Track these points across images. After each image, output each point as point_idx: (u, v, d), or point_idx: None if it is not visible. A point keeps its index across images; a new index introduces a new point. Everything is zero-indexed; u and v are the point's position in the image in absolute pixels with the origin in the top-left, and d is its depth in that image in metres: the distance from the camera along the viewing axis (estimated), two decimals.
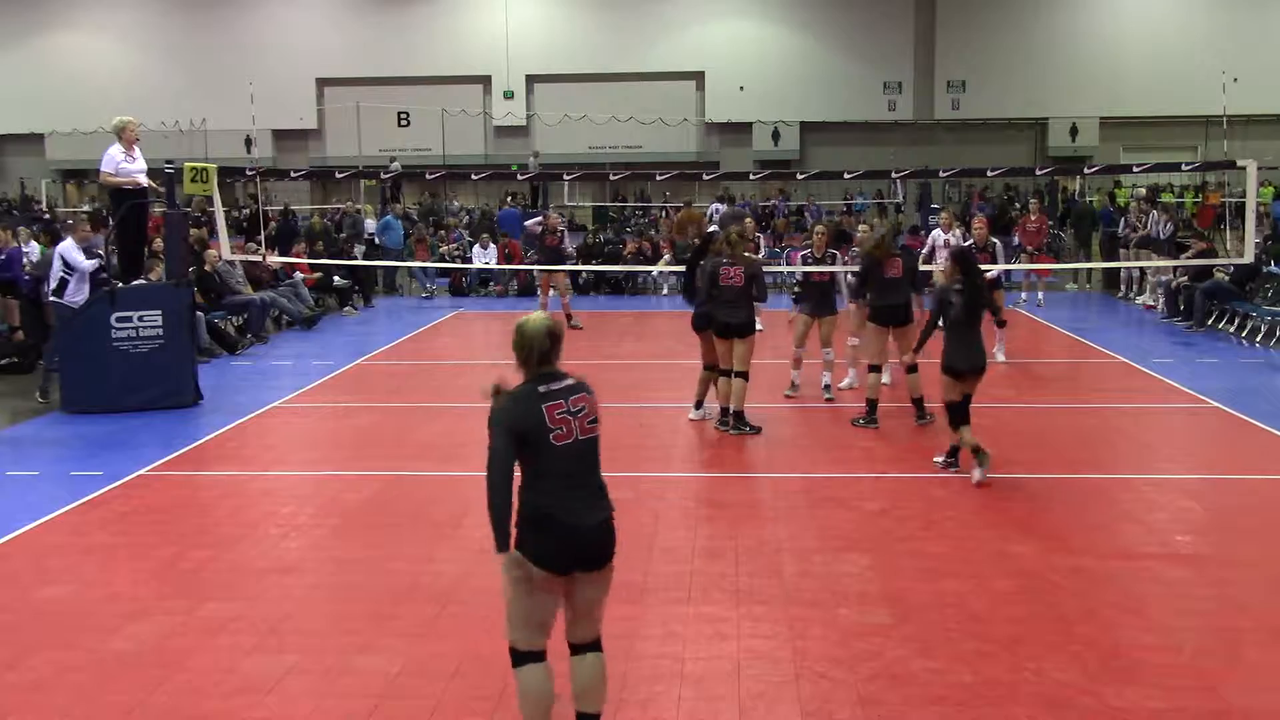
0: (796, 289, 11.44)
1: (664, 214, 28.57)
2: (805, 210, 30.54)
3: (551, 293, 16.40)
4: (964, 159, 28.65)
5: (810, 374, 11.50)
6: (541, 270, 16.81)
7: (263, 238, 18.27)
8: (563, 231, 17.51)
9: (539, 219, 17.46)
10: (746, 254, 10.25)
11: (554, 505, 4.32)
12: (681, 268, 10.89)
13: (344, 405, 11.60)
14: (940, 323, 8.59)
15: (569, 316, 15.85)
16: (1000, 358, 12.68)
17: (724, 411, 10.02)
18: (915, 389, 10.18)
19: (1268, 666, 5.35)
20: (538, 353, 4.37)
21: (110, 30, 38.25)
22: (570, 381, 4.43)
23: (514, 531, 4.30)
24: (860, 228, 12.79)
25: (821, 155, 35.99)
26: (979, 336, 8.43)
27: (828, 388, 11.31)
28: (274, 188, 32.91)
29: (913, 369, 10.14)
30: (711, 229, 11.49)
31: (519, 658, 4.40)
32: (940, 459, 8.70)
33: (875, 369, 10.22)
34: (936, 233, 15.08)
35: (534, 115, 37.70)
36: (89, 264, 11.44)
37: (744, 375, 9.83)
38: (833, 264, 11.29)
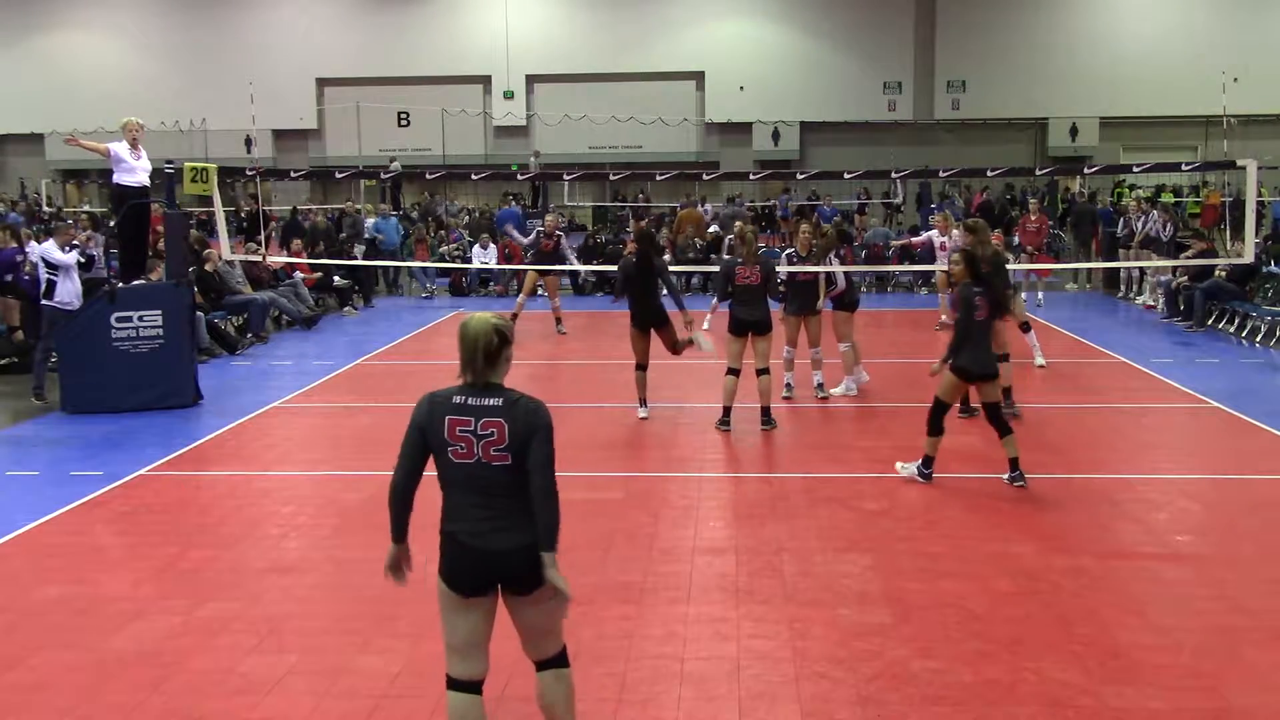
0: (781, 288, 11.40)
1: (633, 215, 28.65)
2: (816, 211, 30.44)
3: (540, 293, 16.28)
4: (964, 159, 28.64)
5: (802, 374, 11.51)
6: (532, 270, 16.40)
7: (263, 237, 18.27)
8: (560, 235, 17.16)
9: (535, 232, 16.72)
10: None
11: (456, 523, 4.02)
12: (683, 268, 10.88)
13: (344, 405, 11.61)
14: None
15: (558, 320, 15.79)
16: (1040, 361, 12.65)
17: (726, 411, 10.04)
18: (1004, 378, 10.17)
19: (1268, 666, 5.35)
20: (481, 354, 3.95)
21: (110, 30, 38.22)
22: (496, 402, 3.96)
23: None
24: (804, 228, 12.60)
25: (821, 155, 35.96)
26: (990, 340, 8.27)
27: (820, 386, 11.33)
28: (275, 188, 32.90)
29: (1001, 358, 10.14)
30: (716, 229, 11.46)
31: (447, 680, 4.15)
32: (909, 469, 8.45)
33: None
34: (934, 233, 15.12)
35: (534, 115, 37.69)
36: (68, 258, 11.48)
37: (767, 371, 9.99)
38: (818, 264, 11.27)
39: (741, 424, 10.07)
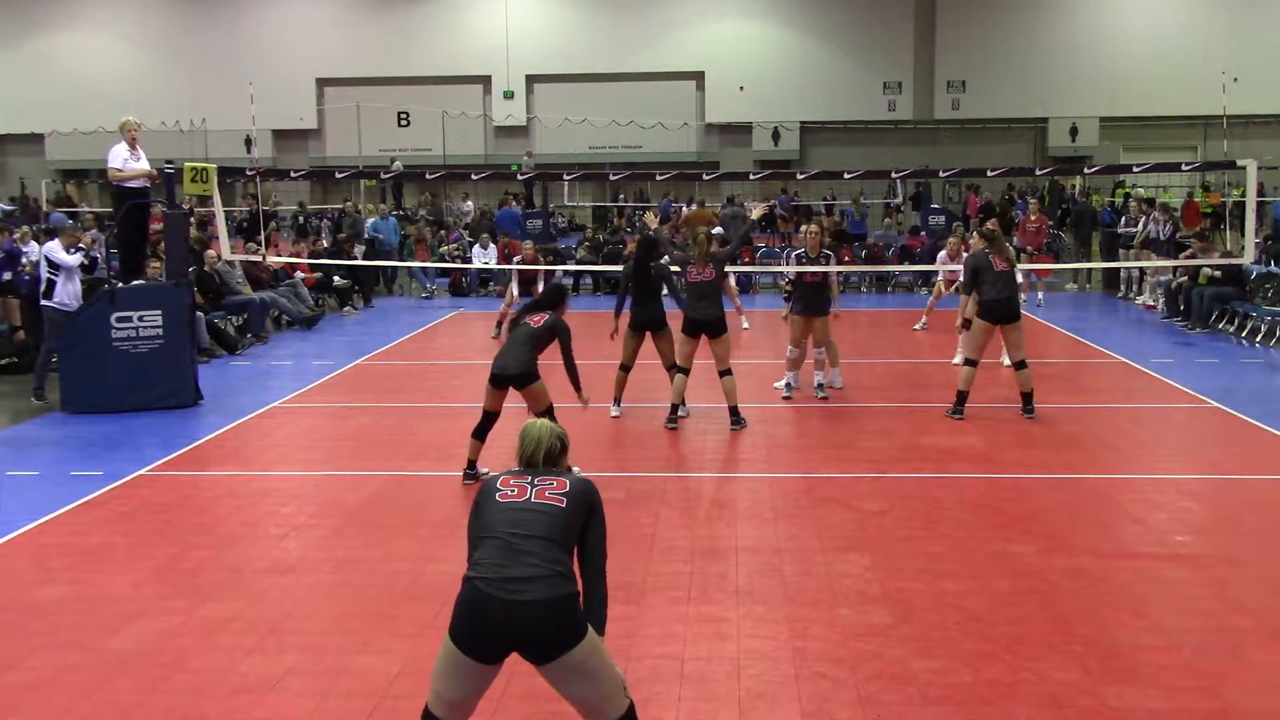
0: (788, 288, 11.42)
1: (618, 213, 28.76)
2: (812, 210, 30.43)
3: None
4: (964, 159, 28.64)
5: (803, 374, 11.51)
6: (513, 287, 15.99)
7: (263, 238, 18.27)
8: (540, 260, 16.87)
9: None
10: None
11: (482, 569, 3.77)
12: (678, 268, 10.87)
13: (344, 405, 11.60)
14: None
15: None
16: (1007, 361, 12.65)
17: (674, 409, 10.21)
18: (1025, 383, 10.32)
19: (1268, 666, 5.35)
20: (544, 454, 4.04)
21: (110, 30, 38.24)
22: (554, 473, 4.03)
23: None
24: (804, 228, 12.53)
25: (821, 155, 36.01)
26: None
27: (820, 387, 11.34)
28: (273, 188, 32.91)
29: (1022, 365, 10.30)
30: (720, 230, 11.45)
31: (424, 712, 3.94)
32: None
33: (971, 363, 10.39)
34: (942, 254, 15.26)
35: (534, 116, 37.72)
36: (72, 259, 11.48)
37: (729, 372, 10.10)
38: (826, 264, 11.29)
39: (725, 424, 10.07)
